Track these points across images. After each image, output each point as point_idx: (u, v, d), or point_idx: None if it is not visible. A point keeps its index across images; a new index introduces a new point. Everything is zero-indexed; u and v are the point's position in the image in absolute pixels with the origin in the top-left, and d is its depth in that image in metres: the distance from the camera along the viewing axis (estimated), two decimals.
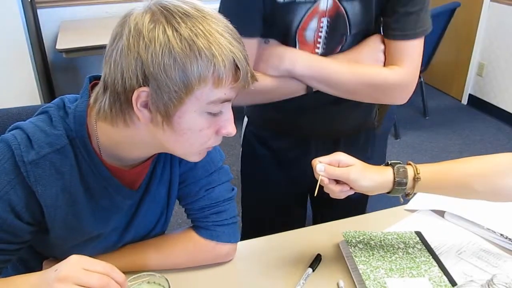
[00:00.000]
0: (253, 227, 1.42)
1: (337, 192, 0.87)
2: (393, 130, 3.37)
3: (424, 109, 3.76)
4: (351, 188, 0.87)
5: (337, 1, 1.02)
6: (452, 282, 0.89)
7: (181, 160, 0.93)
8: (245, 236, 1.44)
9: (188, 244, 0.96)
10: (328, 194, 0.90)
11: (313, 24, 1.05)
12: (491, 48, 3.70)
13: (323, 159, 0.87)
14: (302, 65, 1.05)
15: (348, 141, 1.26)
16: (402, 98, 1.10)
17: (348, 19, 1.05)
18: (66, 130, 0.78)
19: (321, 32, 1.07)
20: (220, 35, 0.69)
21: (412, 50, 1.06)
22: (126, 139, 0.78)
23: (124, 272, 0.73)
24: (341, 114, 1.20)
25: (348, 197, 1.28)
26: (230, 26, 0.73)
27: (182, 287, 0.91)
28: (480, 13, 3.71)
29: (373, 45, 1.09)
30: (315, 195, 0.86)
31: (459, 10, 3.26)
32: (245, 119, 1.34)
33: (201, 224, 0.96)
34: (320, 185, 0.86)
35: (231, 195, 0.98)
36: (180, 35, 0.66)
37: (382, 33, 1.10)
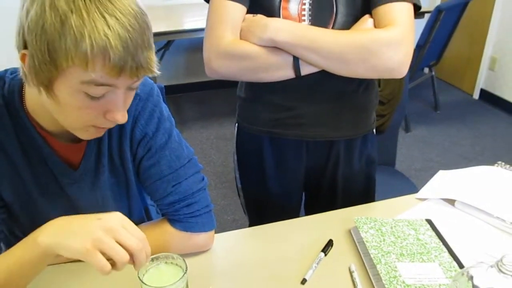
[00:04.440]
0: (256, 214, 1.44)
1: None
2: (403, 123, 3.37)
3: (435, 103, 3.75)
4: None
5: None
6: (462, 267, 0.91)
7: (137, 151, 0.93)
8: (252, 222, 1.44)
9: (163, 234, 0.95)
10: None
11: None
12: (503, 42, 3.67)
13: None
14: (285, 31, 1.01)
15: (345, 143, 1.25)
16: (399, 63, 1.02)
17: None
18: (1, 95, 0.82)
19: (305, 4, 1.07)
20: (101, 16, 0.64)
21: (401, 12, 1.01)
22: (39, 103, 0.79)
23: None
24: (336, 113, 1.19)
25: (355, 187, 1.30)
26: (135, 9, 0.67)
27: (197, 268, 0.93)
28: (493, 7, 3.68)
29: (362, 20, 1.06)
30: None
31: (472, 3, 3.25)
32: (236, 128, 1.32)
33: (173, 217, 0.96)
34: None
35: (201, 186, 0.96)
36: (57, 9, 0.64)
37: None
